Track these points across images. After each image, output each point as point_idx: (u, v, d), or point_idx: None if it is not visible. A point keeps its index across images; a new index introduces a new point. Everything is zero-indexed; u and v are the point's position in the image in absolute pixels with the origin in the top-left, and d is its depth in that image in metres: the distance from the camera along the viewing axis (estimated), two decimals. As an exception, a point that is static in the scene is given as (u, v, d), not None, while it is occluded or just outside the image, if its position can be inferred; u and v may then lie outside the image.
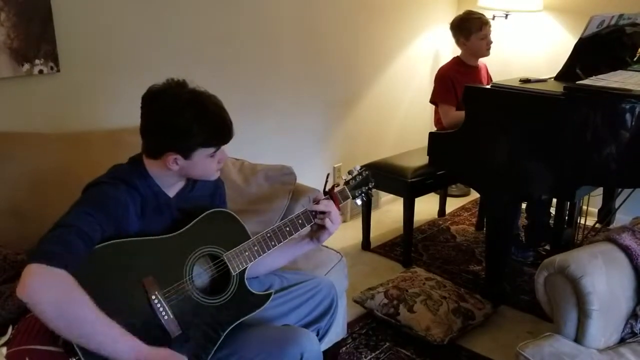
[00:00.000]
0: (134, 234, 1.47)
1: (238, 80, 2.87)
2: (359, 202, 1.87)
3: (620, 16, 2.57)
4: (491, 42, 3.18)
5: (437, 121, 3.27)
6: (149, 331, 1.40)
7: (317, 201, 1.74)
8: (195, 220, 1.57)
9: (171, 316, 1.45)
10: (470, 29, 3.13)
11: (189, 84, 1.50)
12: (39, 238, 1.32)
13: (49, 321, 1.26)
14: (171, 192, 1.58)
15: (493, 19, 3.64)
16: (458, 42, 3.23)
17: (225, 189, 1.80)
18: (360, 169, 1.86)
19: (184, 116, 1.43)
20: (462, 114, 2.99)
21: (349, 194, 1.81)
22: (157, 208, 1.54)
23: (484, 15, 3.18)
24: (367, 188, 1.86)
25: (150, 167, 1.53)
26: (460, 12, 3.32)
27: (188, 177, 1.59)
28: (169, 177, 1.55)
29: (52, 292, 1.24)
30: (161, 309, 1.44)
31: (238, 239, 1.62)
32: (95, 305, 1.29)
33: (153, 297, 1.43)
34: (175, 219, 1.57)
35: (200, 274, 1.58)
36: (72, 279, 1.27)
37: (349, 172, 1.84)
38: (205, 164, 1.53)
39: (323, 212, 1.72)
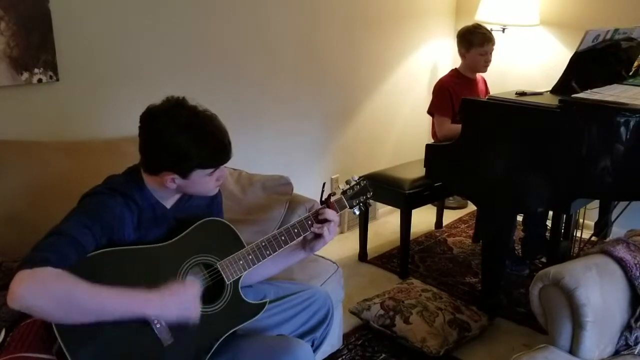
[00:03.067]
0: (129, 244, 1.47)
1: (236, 91, 2.89)
2: (356, 211, 1.87)
3: (616, 31, 2.59)
4: (490, 61, 3.20)
5: (435, 133, 3.29)
6: (141, 339, 1.41)
7: (315, 210, 1.74)
8: (188, 229, 1.57)
9: (163, 324, 1.44)
10: (472, 41, 3.15)
11: (188, 101, 1.49)
12: (32, 246, 1.32)
13: (52, 316, 1.27)
14: (168, 203, 1.59)
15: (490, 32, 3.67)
16: (459, 52, 3.26)
17: (222, 198, 1.80)
18: (358, 179, 1.86)
19: (182, 139, 1.43)
20: (456, 127, 3.01)
21: (346, 204, 1.82)
22: (154, 219, 1.54)
23: (490, 33, 3.19)
24: (364, 198, 1.86)
25: (147, 180, 1.53)
26: (459, 26, 3.35)
27: (186, 194, 1.60)
28: (166, 191, 1.55)
29: (42, 288, 1.24)
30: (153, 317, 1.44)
31: (232, 247, 1.62)
32: (84, 281, 1.29)
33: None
34: (172, 228, 1.58)
35: (194, 282, 1.58)
36: (56, 270, 1.27)
37: (347, 182, 1.85)
38: (202, 182, 1.53)
39: (323, 221, 1.72)
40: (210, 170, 1.51)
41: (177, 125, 1.44)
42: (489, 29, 3.60)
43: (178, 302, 1.42)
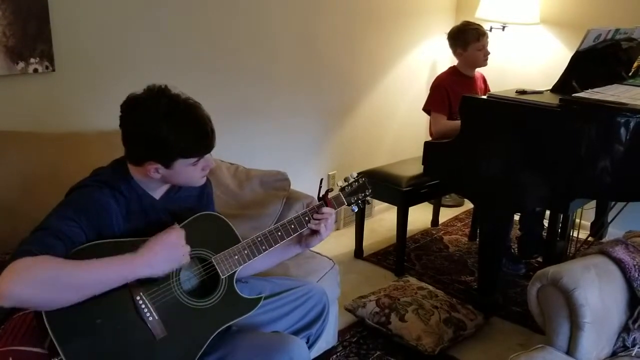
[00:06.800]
0: (119, 236, 1.45)
1: (234, 86, 2.86)
2: (355, 208, 1.86)
3: (617, 30, 2.58)
4: (488, 53, 3.19)
5: (431, 131, 3.27)
6: (133, 332, 1.39)
7: (311, 206, 1.73)
8: (183, 223, 1.55)
9: (156, 317, 1.43)
10: (467, 39, 3.14)
11: (171, 90, 1.46)
12: (20, 240, 1.30)
13: (44, 301, 1.25)
14: (157, 194, 1.57)
15: (490, 30, 3.66)
16: (455, 53, 3.24)
17: (212, 189, 1.78)
18: (356, 176, 1.84)
19: (162, 128, 1.41)
20: (452, 123, 3.01)
21: (344, 201, 1.80)
22: (143, 211, 1.52)
23: (481, 26, 3.19)
24: (363, 195, 1.84)
25: (133, 171, 1.51)
26: (458, 22, 3.33)
27: (172, 184, 1.58)
28: (152, 182, 1.53)
29: (26, 276, 1.21)
30: (146, 310, 1.42)
31: (227, 242, 1.61)
32: (67, 259, 1.28)
33: (137, 297, 1.41)
34: (162, 221, 1.55)
35: (188, 277, 1.56)
36: (36, 256, 1.24)
37: (345, 179, 1.83)
38: (187, 172, 1.51)
39: (319, 218, 1.71)
40: (194, 159, 1.49)
41: (157, 115, 1.41)
42: (489, 26, 3.61)
43: (166, 253, 1.40)
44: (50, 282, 1.24)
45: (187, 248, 1.45)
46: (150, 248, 1.39)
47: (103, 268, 1.31)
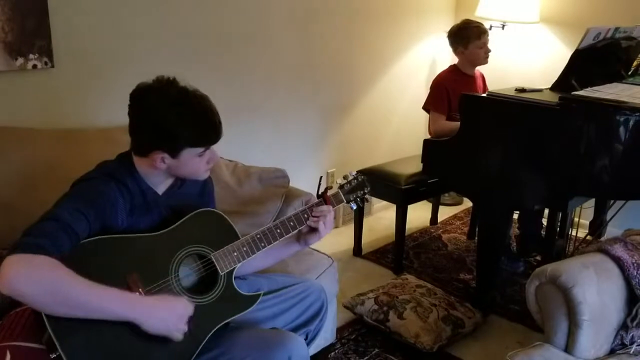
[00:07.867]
0: (121, 231, 1.45)
1: (234, 82, 2.86)
2: (354, 206, 1.86)
3: (617, 29, 2.58)
4: (489, 51, 3.19)
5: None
6: (132, 328, 1.38)
7: (311, 204, 1.73)
8: (183, 219, 1.55)
9: None
10: (468, 37, 3.14)
11: (179, 82, 1.48)
12: (23, 230, 1.30)
13: (40, 305, 1.26)
14: (160, 190, 1.57)
15: (490, 29, 3.65)
16: (456, 51, 3.23)
17: (214, 187, 1.79)
18: (355, 174, 1.85)
19: (171, 116, 1.42)
20: (450, 124, 3.01)
21: (343, 198, 1.81)
22: (146, 205, 1.53)
23: (482, 24, 3.18)
24: (362, 193, 1.85)
25: (138, 164, 1.52)
26: (458, 21, 3.32)
27: (176, 176, 1.58)
28: (157, 175, 1.54)
29: (34, 275, 1.22)
30: None
31: (226, 239, 1.61)
32: (79, 275, 1.28)
33: (137, 294, 1.41)
34: (164, 216, 1.56)
35: (187, 273, 1.56)
36: (51, 259, 1.25)
37: (344, 177, 1.84)
38: (193, 163, 1.52)
39: (319, 215, 1.71)
40: (201, 150, 1.50)
41: (167, 103, 1.43)
42: (489, 25, 3.60)
43: (167, 316, 1.40)
44: (55, 290, 1.25)
45: (185, 327, 1.43)
46: (156, 304, 1.39)
47: (106, 298, 1.31)
